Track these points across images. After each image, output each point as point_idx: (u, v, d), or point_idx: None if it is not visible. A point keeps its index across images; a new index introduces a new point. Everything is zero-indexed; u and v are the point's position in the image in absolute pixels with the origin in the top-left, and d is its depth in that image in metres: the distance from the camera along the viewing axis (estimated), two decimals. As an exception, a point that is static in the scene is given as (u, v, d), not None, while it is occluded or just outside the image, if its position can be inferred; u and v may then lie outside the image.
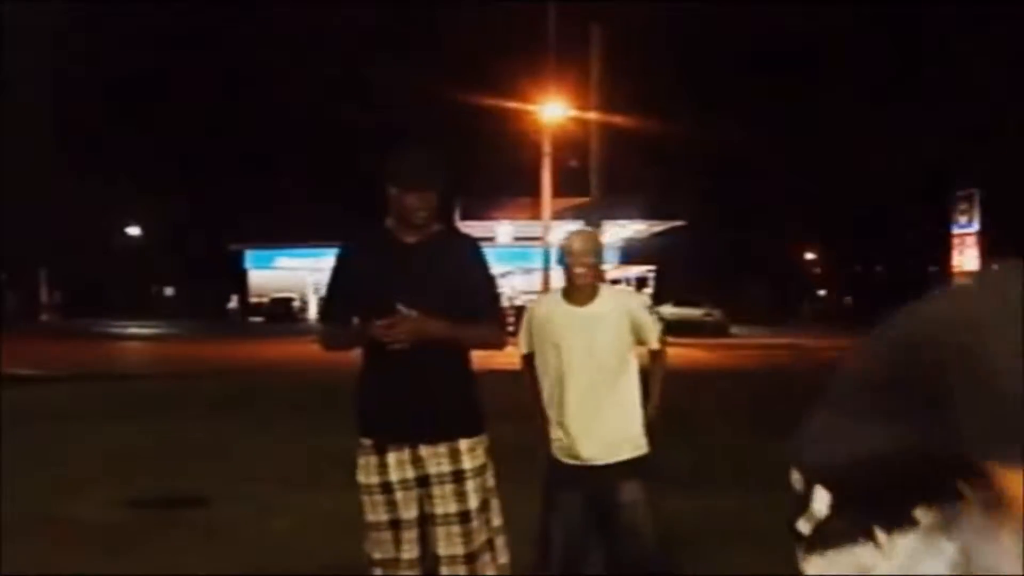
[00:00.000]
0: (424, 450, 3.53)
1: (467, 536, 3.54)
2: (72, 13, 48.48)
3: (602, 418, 4.32)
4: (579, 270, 4.34)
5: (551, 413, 4.41)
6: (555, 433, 4.40)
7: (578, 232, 4.57)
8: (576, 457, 4.35)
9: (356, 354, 3.68)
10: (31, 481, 7.60)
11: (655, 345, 4.49)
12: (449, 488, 3.54)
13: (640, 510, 4.32)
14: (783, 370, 21.83)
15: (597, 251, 4.43)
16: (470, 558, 3.55)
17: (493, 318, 3.75)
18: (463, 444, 3.57)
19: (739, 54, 56.82)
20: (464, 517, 3.54)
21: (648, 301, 5.06)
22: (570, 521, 4.34)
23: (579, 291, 4.38)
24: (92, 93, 55.41)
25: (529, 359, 4.55)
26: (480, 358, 3.65)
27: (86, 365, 20.22)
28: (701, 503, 6.89)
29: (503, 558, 3.66)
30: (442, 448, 3.54)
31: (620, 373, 4.37)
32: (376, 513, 3.58)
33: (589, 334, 4.32)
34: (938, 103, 55.82)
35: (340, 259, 3.74)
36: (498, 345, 3.74)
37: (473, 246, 3.75)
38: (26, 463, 8.27)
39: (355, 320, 3.63)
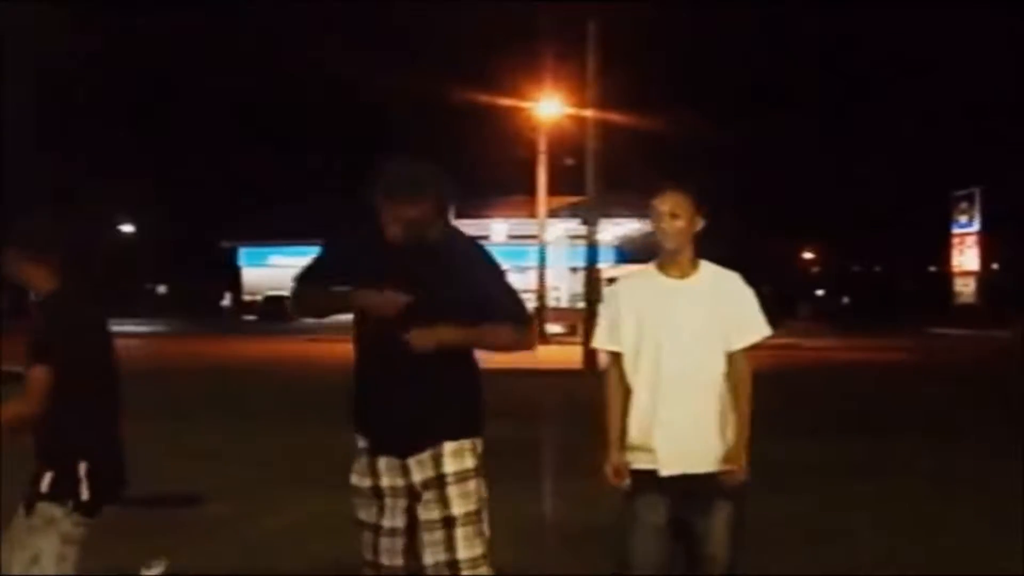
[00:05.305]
0: (412, 460, 3.41)
1: (449, 543, 3.37)
2: (70, 8, 48.39)
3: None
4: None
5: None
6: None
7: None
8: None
9: (349, 351, 3.58)
10: (21, 480, 7.59)
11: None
12: (431, 494, 3.40)
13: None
14: (778, 372, 21.84)
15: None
16: (452, 565, 3.37)
17: (518, 317, 3.48)
18: (447, 447, 3.41)
19: (738, 51, 56.89)
20: (447, 523, 3.38)
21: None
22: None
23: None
24: (86, 89, 55.38)
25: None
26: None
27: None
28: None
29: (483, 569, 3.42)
30: (426, 454, 3.40)
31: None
32: (365, 515, 3.49)
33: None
34: (940, 101, 56.00)
35: (332, 240, 3.62)
36: (526, 345, 3.50)
37: (474, 245, 3.55)
38: (14, 461, 8.26)
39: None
